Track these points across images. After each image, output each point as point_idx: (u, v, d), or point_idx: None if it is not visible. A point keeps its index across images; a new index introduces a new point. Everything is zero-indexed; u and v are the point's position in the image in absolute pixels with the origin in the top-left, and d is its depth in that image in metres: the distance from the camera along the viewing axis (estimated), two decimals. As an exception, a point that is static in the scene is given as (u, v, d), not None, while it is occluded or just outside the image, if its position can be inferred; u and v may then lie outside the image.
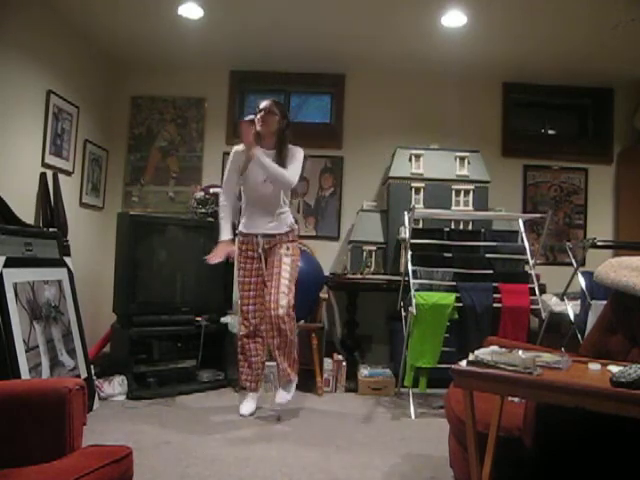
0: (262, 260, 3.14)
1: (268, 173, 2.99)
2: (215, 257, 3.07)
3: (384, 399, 3.68)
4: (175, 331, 3.75)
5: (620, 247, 3.96)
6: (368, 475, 2.35)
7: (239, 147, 3.13)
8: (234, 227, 3.21)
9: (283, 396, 3.09)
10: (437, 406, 3.42)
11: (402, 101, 4.70)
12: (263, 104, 3.08)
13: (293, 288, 3.06)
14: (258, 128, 3.04)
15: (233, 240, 3.17)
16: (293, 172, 3.06)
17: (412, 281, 3.37)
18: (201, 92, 4.73)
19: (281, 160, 3.04)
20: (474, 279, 3.48)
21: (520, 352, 1.65)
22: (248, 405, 3.21)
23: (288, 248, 3.11)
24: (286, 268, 3.05)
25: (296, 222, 3.31)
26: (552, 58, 4.22)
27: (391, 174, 4.23)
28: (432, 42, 4.02)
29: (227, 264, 3.34)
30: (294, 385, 3.16)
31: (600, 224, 4.69)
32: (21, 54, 3.35)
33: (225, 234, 3.13)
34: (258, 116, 3.06)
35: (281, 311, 2.94)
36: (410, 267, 3.44)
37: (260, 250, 3.12)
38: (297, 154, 3.11)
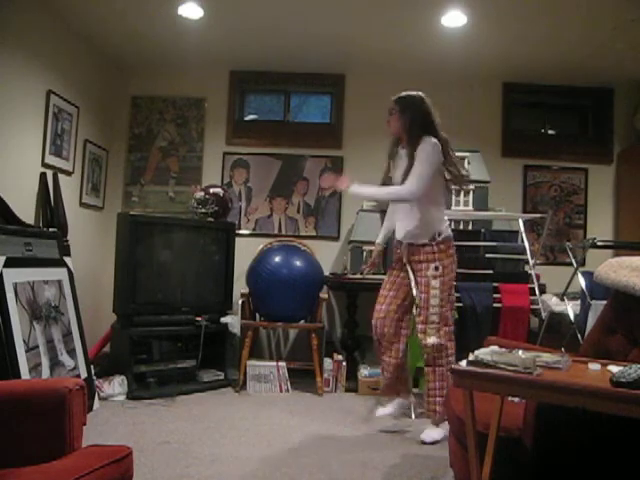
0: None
1: (377, 199, 2.79)
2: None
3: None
4: (175, 331, 3.75)
5: (620, 247, 3.96)
6: (368, 475, 2.35)
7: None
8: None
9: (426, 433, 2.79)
10: (437, 406, 3.42)
11: (402, 101, 4.69)
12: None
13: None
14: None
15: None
16: (411, 180, 2.64)
17: (412, 281, 3.36)
18: (201, 92, 4.73)
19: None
20: (474, 279, 3.48)
21: (520, 352, 1.65)
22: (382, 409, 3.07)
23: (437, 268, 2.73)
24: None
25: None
26: (552, 58, 4.22)
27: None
28: (432, 42, 4.02)
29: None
30: (436, 427, 2.79)
31: (600, 224, 4.69)
32: (21, 54, 3.35)
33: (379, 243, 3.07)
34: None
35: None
36: (410, 267, 3.43)
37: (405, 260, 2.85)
38: (420, 151, 2.65)
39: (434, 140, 2.67)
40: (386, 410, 3.03)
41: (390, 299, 2.91)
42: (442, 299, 2.72)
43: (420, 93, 2.87)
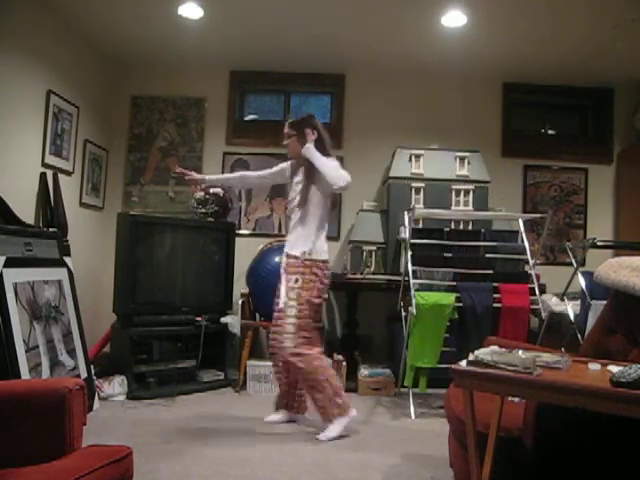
0: None
1: (321, 167, 2.86)
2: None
3: (384, 399, 3.68)
4: (175, 331, 3.75)
5: (620, 247, 3.96)
6: (368, 475, 2.35)
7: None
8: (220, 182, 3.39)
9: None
10: (437, 406, 3.42)
11: (402, 101, 4.70)
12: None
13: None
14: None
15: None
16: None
17: (412, 281, 3.37)
18: (201, 92, 4.73)
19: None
20: (474, 279, 3.48)
21: (520, 352, 1.65)
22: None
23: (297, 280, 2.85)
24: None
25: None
26: (552, 58, 4.22)
27: (391, 174, 4.23)
28: (432, 42, 4.02)
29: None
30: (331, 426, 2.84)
31: (600, 224, 4.69)
32: (21, 54, 3.35)
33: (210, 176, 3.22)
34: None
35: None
36: (410, 267, 3.44)
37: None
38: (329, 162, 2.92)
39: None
40: (275, 417, 3.08)
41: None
42: (300, 311, 2.82)
43: (310, 113, 3.09)
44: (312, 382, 2.82)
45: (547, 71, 4.49)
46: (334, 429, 2.82)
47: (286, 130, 3.00)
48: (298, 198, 2.93)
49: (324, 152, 2.92)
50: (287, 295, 2.83)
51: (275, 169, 3.19)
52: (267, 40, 4.15)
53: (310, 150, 2.89)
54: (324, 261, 2.92)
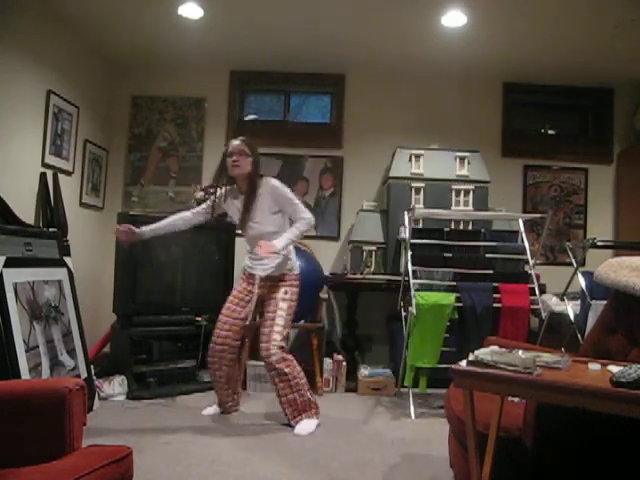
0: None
1: (296, 240, 2.98)
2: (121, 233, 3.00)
3: (384, 399, 3.68)
4: (175, 331, 3.75)
5: (620, 247, 3.96)
6: (368, 475, 2.35)
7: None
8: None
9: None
10: (437, 406, 3.42)
11: (402, 101, 4.70)
12: (231, 147, 2.93)
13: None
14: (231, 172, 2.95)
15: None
16: (302, 210, 2.95)
17: (412, 281, 3.37)
18: (201, 92, 4.72)
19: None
20: (474, 279, 3.48)
21: (520, 352, 1.65)
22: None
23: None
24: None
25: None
26: (552, 58, 4.22)
27: (391, 174, 4.23)
28: (432, 42, 4.02)
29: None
30: (306, 419, 2.97)
31: (600, 224, 4.69)
32: (21, 54, 3.35)
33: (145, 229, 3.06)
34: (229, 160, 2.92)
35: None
36: (410, 267, 3.44)
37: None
38: (278, 189, 2.93)
39: (276, 181, 2.97)
40: (210, 410, 3.22)
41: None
42: (286, 320, 2.99)
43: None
44: (296, 386, 2.92)
45: (547, 71, 4.49)
46: (311, 423, 2.95)
47: (242, 147, 2.91)
48: (267, 225, 2.95)
49: (259, 175, 2.96)
50: (278, 305, 2.97)
51: (203, 206, 3.15)
52: (267, 40, 4.15)
53: (282, 244, 2.85)
54: (297, 275, 3.10)
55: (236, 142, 2.94)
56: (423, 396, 3.59)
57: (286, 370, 2.89)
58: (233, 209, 3.07)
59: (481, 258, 3.69)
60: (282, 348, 2.91)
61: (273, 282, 3.04)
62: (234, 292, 3.13)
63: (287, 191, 2.96)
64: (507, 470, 1.69)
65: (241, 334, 3.12)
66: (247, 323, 3.11)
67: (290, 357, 2.94)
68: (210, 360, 3.09)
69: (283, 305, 2.97)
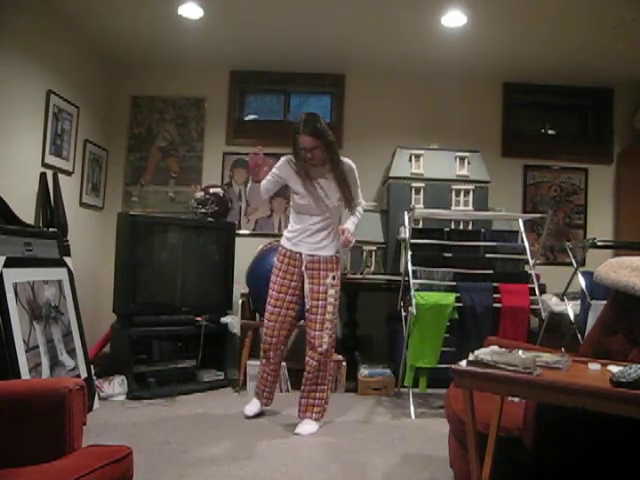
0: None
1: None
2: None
3: (384, 399, 3.68)
4: (175, 331, 3.75)
5: (620, 247, 3.96)
6: (368, 475, 2.35)
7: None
8: None
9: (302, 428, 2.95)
10: (437, 406, 3.42)
11: (402, 101, 4.70)
12: (302, 142, 2.87)
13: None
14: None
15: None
16: (360, 196, 3.10)
17: (412, 281, 3.37)
18: (201, 92, 4.73)
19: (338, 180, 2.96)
20: (474, 279, 3.48)
21: (520, 352, 1.65)
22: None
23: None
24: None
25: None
26: (552, 58, 4.22)
27: (391, 174, 4.23)
28: (432, 42, 4.02)
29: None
30: (309, 420, 2.98)
31: (600, 224, 4.69)
32: (21, 54, 3.35)
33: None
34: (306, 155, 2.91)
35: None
36: (410, 267, 3.44)
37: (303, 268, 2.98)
38: (352, 172, 3.01)
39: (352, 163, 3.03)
40: (254, 408, 3.16)
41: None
42: (335, 307, 2.98)
43: (316, 115, 2.94)
44: (326, 381, 2.98)
45: (547, 71, 4.48)
46: (314, 425, 2.95)
47: (309, 140, 2.85)
48: (334, 200, 2.98)
49: (336, 155, 2.94)
50: (327, 292, 2.92)
51: (274, 179, 3.16)
52: (267, 40, 4.15)
53: (353, 229, 2.97)
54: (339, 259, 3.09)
55: (305, 138, 2.85)
56: (423, 396, 3.59)
57: (329, 362, 2.95)
58: (297, 179, 3.02)
59: (481, 258, 3.69)
60: (331, 338, 2.94)
61: (322, 264, 2.96)
62: (278, 280, 2.99)
63: (356, 174, 3.04)
64: (507, 470, 1.69)
65: (294, 325, 3.10)
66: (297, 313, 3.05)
67: (333, 350, 3.00)
68: (265, 355, 3.06)
69: (332, 292, 2.93)
